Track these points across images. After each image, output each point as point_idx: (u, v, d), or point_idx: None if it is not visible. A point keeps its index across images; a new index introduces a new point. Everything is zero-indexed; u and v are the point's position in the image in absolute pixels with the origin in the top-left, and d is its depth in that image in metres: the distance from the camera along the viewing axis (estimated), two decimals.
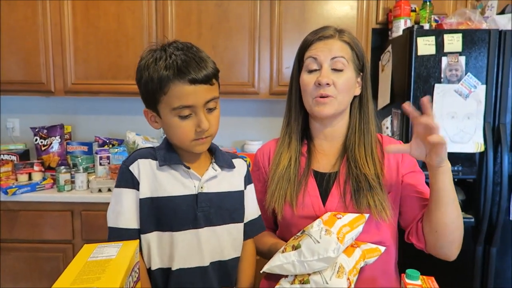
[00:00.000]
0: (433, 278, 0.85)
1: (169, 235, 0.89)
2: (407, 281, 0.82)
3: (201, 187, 0.91)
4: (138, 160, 0.90)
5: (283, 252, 0.89)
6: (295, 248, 0.87)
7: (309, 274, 0.86)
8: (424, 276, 0.85)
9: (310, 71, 1.05)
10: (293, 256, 0.85)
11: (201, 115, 0.85)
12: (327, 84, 1.01)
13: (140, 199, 0.88)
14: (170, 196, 0.88)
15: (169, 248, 0.89)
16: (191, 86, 0.82)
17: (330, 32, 1.05)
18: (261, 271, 0.93)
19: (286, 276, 0.90)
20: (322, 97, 1.02)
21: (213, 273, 0.92)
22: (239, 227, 0.98)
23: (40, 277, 2.09)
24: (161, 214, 0.88)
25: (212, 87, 0.86)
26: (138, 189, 0.88)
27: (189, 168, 0.90)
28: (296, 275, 0.88)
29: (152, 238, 0.88)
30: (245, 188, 1.02)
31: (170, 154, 0.91)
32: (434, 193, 0.97)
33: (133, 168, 0.89)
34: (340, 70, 1.02)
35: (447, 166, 0.94)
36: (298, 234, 0.93)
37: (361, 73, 1.09)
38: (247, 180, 1.03)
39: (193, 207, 0.89)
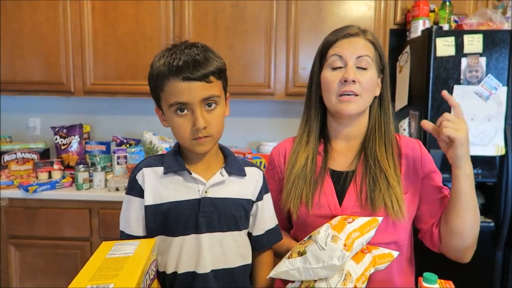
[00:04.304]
0: (451, 282, 0.84)
1: (171, 239, 0.90)
2: (425, 284, 0.81)
3: (205, 192, 0.91)
4: (143, 169, 0.92)
5: (289, 258, 0.88)
6: (300, 254, 0.86)
7: (315, 281, 0.85)
8: (441, 280, 0.84)
9: (334, 69, 1.03)
10: (299, 263, 0.85)
11: (196, 113, 0.84)
12: (353, 81, 1.00)
13: (145, 206, 0.90)
14: (174, 202, 0.89)
15: (169, 252, 0.90)
16: (184, 83, 0.82)
17: (355, 30, 1.04)
18: (267, 277, 0.92)
19: (293, 282, 0.89)
20: (346, 94, 1.01)
21: (214, 280, 0.90)
22: (244, 234, 0.98)
23: (58, 274, 2.13)
24: (166, 220, 0.89)
25: (210, 85, 0.85)
26: (143, 197, 0.90)
27: (191, 173, 0.90)
28: (302, 281, 0.87)
29: (156, 242, 0.89)
30: (262, 199, 1.00)
31: (176, 159, 0.92)
32: (453, 195, 0.97)
33: (139, 177, 0.92)
34: (365, 69, 1.02)
35: (465, 170, 0.95)
36: (305, 239, 0.92)
37: (381, 74, 1.08)
38: (264, 190, 1.01)
39: (195, 212, 0.89)
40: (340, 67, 1.03)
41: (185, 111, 0.85)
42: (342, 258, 0.80)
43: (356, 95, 1.01)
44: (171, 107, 0.85)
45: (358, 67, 1.02)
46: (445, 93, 1.01)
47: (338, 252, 0.80)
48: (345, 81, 1.00)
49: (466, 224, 0.98)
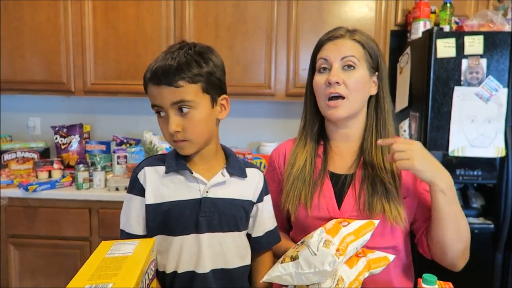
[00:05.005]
0: (450, 284, 0.83)
1: (172, 239, 0.90)
2: (424, 285, 0.81)
3: (206, 192, 0.91)
4: (145, 168, 0.93)
5: (281, 262, 0.88)
6: (293, 259, 0.85)
7: (307, 286, 0.85)
8: (441, 281, 0.83)
9: (321, 72, 1.05)
10: (291, 268, 0.85)
11: (169, 117, 0.85)
12: (337, 82, 1.00)
13: (146, 205, 0.90)
14: (175, 201, 0.89)
15: (169, 252, 0.90)
16: (155, 87, 0.85)
17: (340, 32, 1.05)
18: (260, 281, 0.92)
19: (286, 286, 0.89)
20: (333, 97, 1.02)
21: (214, 280, 0.90)
22: (244, 235, 0.98)
23: (58, 273, 2.12)
24: (167, 219, 0.90)
25: (179, 90, 0.83)
26: (144, 196, 0.91)
27: (192, 172, 0.90)
28: (295, 286, 0.87)
29: (156, 241, 0.89)
30: (262, 200, 1.00)
31: (177, 159, 0.92)
32: (432, 210, 0.98)
33: (140, 176, 0.92)
34: (351, 69, 1.02)
35: (439, 185, 0.93)
36: (298, 243, 0.92)
37: (376, 72, 1.07)
38: (264, 192, 1.01)
39: (196, 212, 0.89)
40: (327, 70, 1.04)
41: (162, 114, 0.87)
42: (333, 264, 0.80)
43: (343, 97, 1.01)
44: (153, 109, 0.88)
45: (344, 68, 1.02)
46: (380, 141, 1.00)
47: (329, 258, 0.80)
48: (329, 83, 1.01)
49: (447, 238, 0.98)
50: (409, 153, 0.91)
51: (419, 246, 1.09)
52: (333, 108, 1.02)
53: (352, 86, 1.01)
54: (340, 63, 1.02)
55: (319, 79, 1.05)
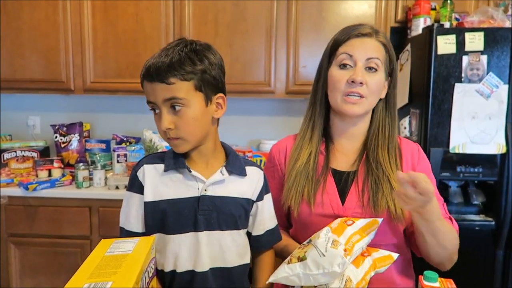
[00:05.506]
0: (451, 281, 0.83)
1: (169, 237, 0.89)
2: (425, 283, 0.81)
3: (205, 190, 0.90)
4: (144, 166, 0.93)
5: (288, 263, 0.87)
6: (300, 259, 0.85)
7: (315, 286, 0.84)
8: (442, 278, 0.83)
9: (343, 67, 1.02)
10: (299, 268, 0.84)
11: (161, 114, 0.85)
12: (361, 83, 0.99)
13: (145, 203, 0.90)
14: (173, 199, 0.89)
15: (168, 250, 0.89)
16: (148, 84, 0.85)
17: (368, 30, 1.02)
18: (266, 282, 0.92)
19: (293, 286, 0.88)
20: (353, 95, 1.00)
21: (213, 279, 0.90)
22: (243, 234, 0.97)
23: (58, 272, 2.12)
24: (165, 217, 0.89)
25: (170, 87, 0.82)
26: (143, 194, 0.90)
27: (190, 171, 0.90)
28: (302, 286, 0.86)
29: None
30: (262, 199, 1.00)
31: (176, 157, 0.92)
32: (418, 231, 0.96)
33: (139, 173, 0.92)
34: (374, 71, 1.01)
35: (438, 215, 0.90)
36: (305, 243, 0.91)
37: (389, 77, 1.07)
38: (264, 190, 1.01)
39: (194, 210, 0.89)
40: (349, 67, 1.01)
41: (157, 111, 0.87)
42: (342, 265, 0.79)
43: (362, 97, 1.00)
44: (149, 106, 0.88)
45: (366, 69, 1.01)
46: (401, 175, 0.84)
47: (338, 259, 0.79)
48: (353, 82, 0.99)
49: (429, 249, 0.98)
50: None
51: (410, 243, 1.09)
52: (351, 104, 1.01)
53: (372, 88, 1.00)
54: (365, 63, 1.00)
55: (339, 74, 1.02)
